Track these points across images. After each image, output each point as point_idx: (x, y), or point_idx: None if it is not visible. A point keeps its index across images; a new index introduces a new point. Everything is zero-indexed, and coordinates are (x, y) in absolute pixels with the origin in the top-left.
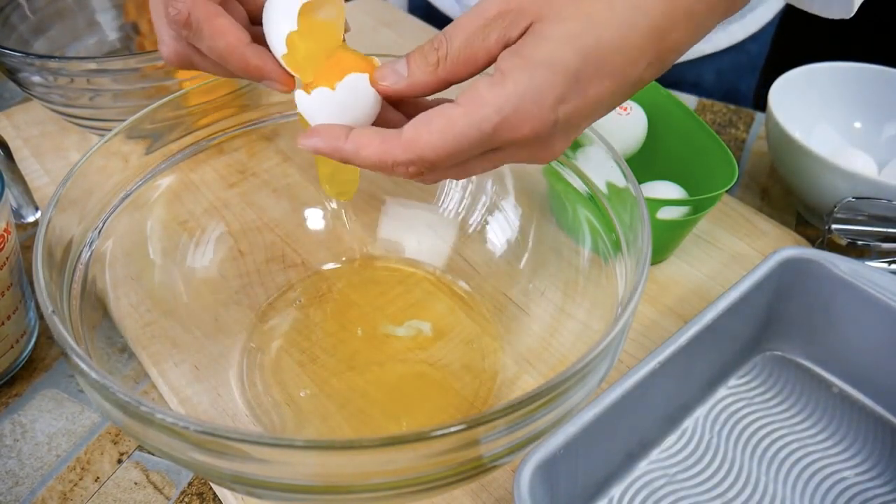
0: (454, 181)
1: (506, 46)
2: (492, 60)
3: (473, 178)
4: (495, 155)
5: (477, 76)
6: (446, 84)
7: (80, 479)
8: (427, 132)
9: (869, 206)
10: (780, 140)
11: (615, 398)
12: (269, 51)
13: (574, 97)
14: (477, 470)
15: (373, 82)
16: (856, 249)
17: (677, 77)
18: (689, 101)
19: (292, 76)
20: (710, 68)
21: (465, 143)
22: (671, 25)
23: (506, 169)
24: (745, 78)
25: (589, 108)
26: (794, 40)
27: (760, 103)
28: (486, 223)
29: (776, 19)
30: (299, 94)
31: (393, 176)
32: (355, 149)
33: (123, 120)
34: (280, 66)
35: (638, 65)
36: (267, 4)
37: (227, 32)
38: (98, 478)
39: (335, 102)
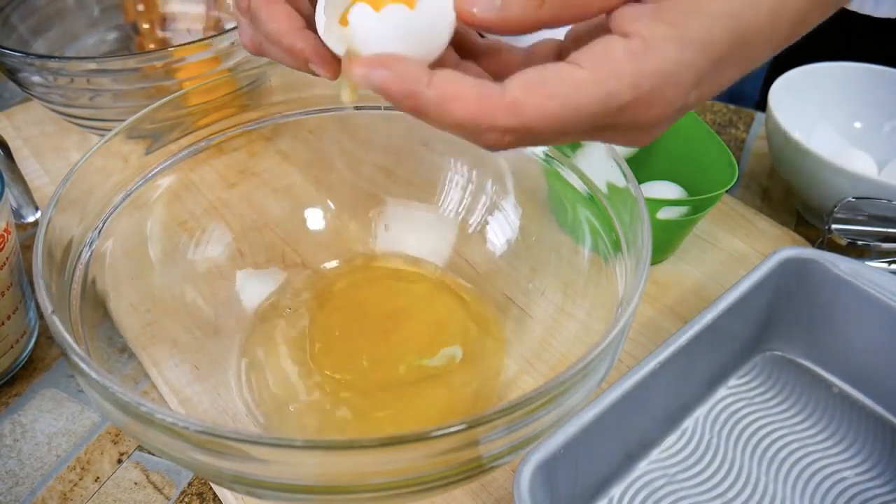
0: (455, 179)
1: (629, 0)
2: (605, 11)
3: (473, 178)
4: (600, 134)
5: (602, 36)
6: (540, 27)
7: (80, 479)
8: (542, 96)
9: (869, 206)
10: (780, 140)
11: (615, 398)
12: (318, 36)
13: (709, 82)
14: (477, 470)
15: (456, 5)
16: (856, 249)
17: None
18: None
19: (337, 61)
20: None
21: (584, 116)
22: (809, 12)
23: (506, 169)
24: (751, 79)
25: (712, 94)
26: (797, 41)
27: (761, 103)
28: (486, 223)
29: None
30: (361, 10)
31: (470, 140)
32: (440, 99)
33: (123, 120)
34: (327, 50)
35: (770, 52)
36: None
37: (279, 17)
38: (98, 478)
39: (411, 27)
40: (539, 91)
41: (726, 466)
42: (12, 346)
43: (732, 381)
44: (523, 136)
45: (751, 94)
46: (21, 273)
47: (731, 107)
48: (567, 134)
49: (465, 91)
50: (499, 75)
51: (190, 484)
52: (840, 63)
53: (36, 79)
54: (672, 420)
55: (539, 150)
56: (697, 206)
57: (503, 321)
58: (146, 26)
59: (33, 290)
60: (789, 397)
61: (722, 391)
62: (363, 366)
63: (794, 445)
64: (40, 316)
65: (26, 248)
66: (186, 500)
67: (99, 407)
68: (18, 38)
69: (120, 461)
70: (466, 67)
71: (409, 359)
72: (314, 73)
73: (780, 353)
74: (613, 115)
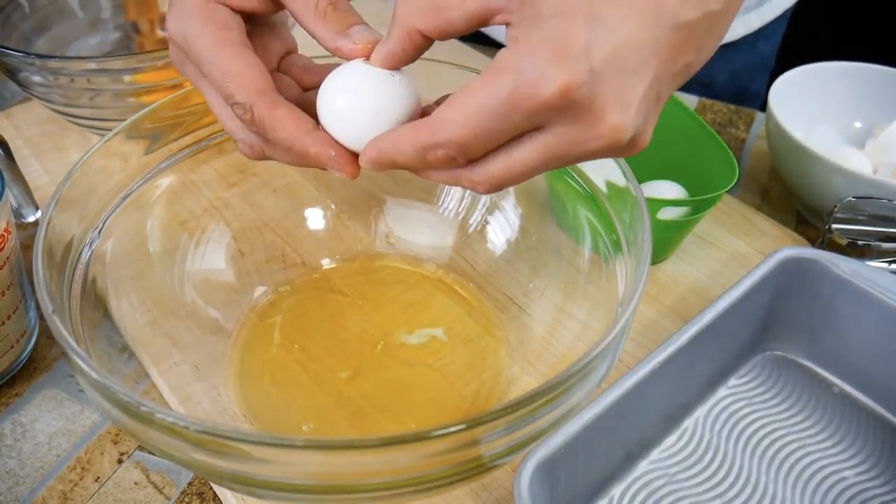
0: None
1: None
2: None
3: None
4: (541, 138)
5: None
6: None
7: (81, 479)
8: (448, 108)
9: (869, 206)
10: (780, 140)
11: (615, 398)
12: (328, 134)
13: (602, 39)
14: (477, 470)
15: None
16: (856, 249)
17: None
18: (690, 100)
19: (356, 159)
20: (724, 68)
21: (486, 114)
22: None
23: None
24: (758, 79)
25: (630, 53)
26: (799, 40)
27: (762, 103)
28: (487, 223)
29: (789, 13)
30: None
31: (436, 177)
32: (395, 146)
33: (123, 120)
34: (341, 148)
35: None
36: (325, 83)
37: (287, 123)
38: (98, 478)
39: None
40: (446, 105)
41: (726, 466)
42: (12, 346)
43: (732, 381)
44: (451, 149)
45: (757, 94)
46: (21, 273)
47: (732, 107)
48: (502, 150)
49: (405, 129)
50: None
51: (190, 484)
52: (840, 63)
53: (36, 78)
54: (672, 420)
55: None
56: (698, 206)
57: (503, 321)
58: (146, 26)
59: (33, 290)
60: (789, 397)
61: (722, 391)
62: (363, 365)
63: (794, 445)
64: (40, 316)
65: (26, 248)
66: (186, 500)
67: (99, 407)
68: (19, 38)
69: (120, 461)
70: None
71: (409, 358)
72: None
73: (780, 353)
74: (514, 105)
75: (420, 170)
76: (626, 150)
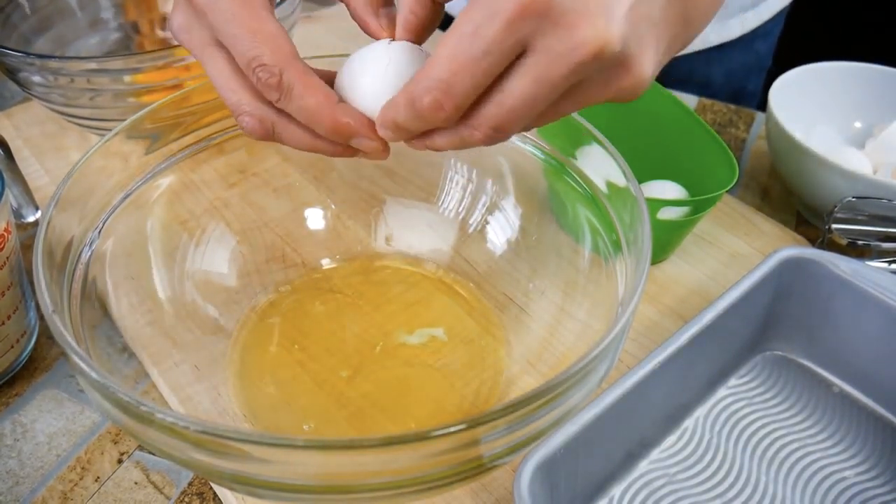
0: (455, 179)
1: None
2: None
3: (473, 177)
4: (526, 62)
5: None
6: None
7: (81, 479)
8: (438, 51)
9: (869, 206)
10: (780, 140)
11: (615, 398)
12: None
13: None
14: (477, 470)
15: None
16: (856, 249)
17: (686, 75)
18: (690, 100)
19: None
20: (720, 68)
21: (466, 38)
22: None
23: (506, 169)
24: (754, 78)
25: None
26: (797, 40)
27: (763, 103)
28: (487, 223)
29: (785, 12)
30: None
31: (439, 141)
32: (394, 103)
33: (123, 120)
34: (371, 123)
35: None
36: (349, 62)
37: (317, 91)
38: (98, 477)
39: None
40: (436, 50)
41: (726, 466)
42: (12, 346)
43: (732, 381)
44: (439, 92)
45: (754, 92)
46: (21, 273)
47: (732, 107)
48: (473, 65)
49: (405, 87)
50: None
51: (190, 484)
52: (840, 63)
53: (36, 79)
54: (672, 420)
55: (538, 150)
56: (698, 206)
57: (503, 321)
58: (146, 26)
59: (33, 290)
60: (789, 397)
61: (722, 391)
62: (363, 365)
63: (794, 445)
64: (40, 316)
65: (26, 248)
66: (186, 500)
67: (99, 407)
68: (19, 38)
69: (120, 461)
70: None
71: (409, 358)
72: (348, 154)
73: (780, 353)
74: (493, 20)
75: (415, 128)
76: (619, 69)
